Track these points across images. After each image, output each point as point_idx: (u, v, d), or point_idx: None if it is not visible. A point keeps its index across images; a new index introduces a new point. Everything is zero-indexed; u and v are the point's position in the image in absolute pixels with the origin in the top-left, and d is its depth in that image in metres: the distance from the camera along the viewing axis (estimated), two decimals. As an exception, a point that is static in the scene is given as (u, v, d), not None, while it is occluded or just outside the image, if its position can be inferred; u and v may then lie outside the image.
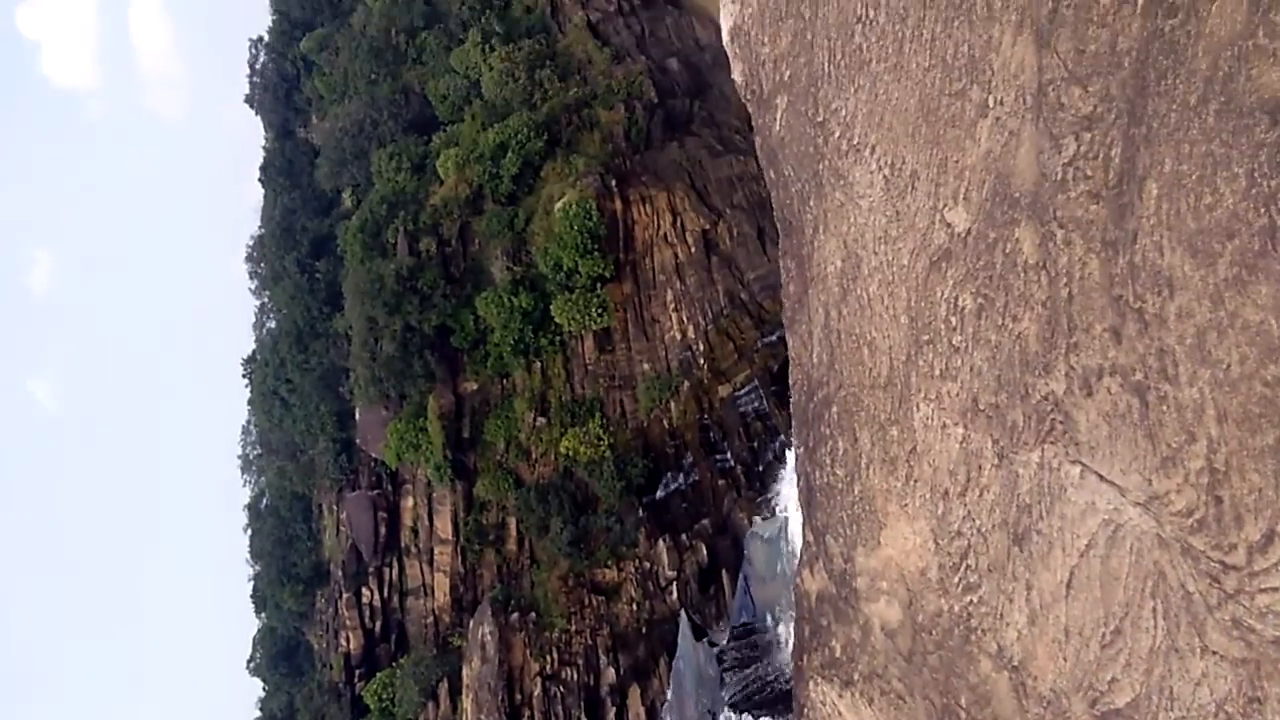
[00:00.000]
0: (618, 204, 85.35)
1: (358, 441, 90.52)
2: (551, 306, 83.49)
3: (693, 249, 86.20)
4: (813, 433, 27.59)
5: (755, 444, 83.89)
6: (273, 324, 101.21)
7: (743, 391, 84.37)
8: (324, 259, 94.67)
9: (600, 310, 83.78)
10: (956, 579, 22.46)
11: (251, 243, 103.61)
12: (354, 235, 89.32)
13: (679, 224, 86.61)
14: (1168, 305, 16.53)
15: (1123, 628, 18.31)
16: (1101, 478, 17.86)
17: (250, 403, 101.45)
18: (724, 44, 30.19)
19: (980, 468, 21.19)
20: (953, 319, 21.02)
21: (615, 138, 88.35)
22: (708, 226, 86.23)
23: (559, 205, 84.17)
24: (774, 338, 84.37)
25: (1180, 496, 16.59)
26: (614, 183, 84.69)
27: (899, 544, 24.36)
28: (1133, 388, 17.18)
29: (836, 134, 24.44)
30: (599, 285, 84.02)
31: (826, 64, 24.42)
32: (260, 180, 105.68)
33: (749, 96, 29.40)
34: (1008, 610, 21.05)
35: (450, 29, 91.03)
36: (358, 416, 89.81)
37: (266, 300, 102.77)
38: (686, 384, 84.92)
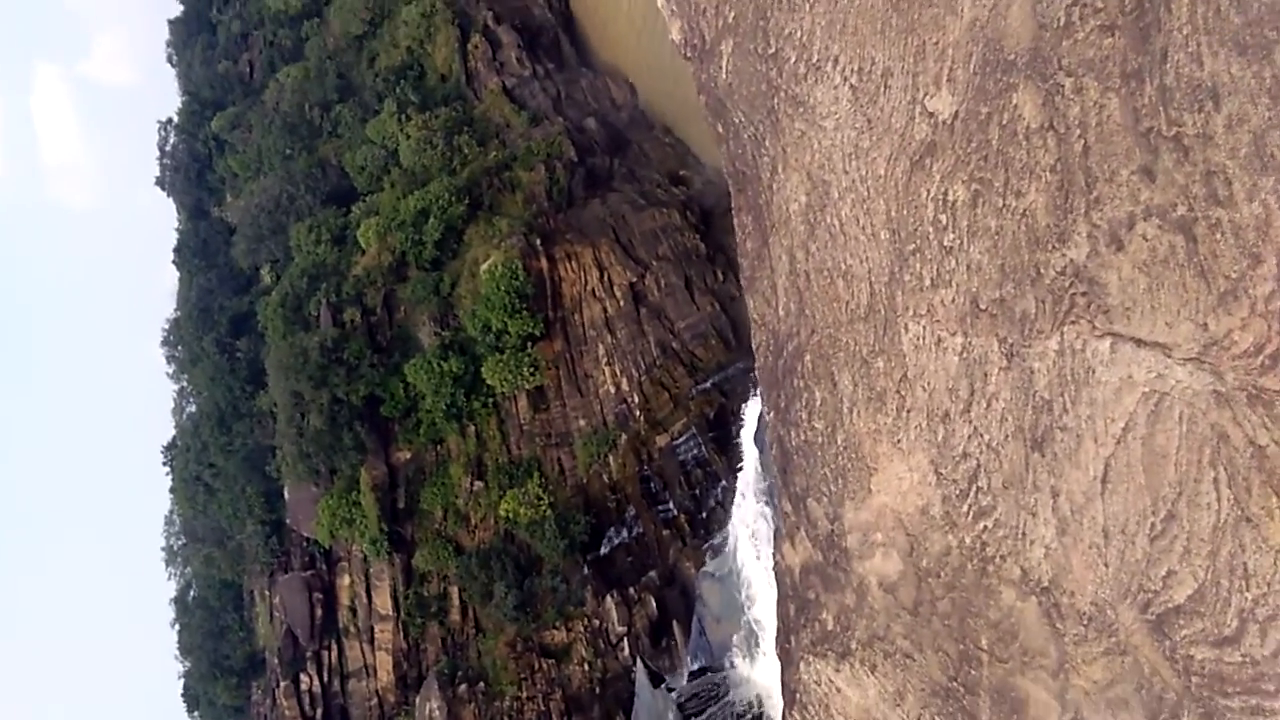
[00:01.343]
0: (543, 262, 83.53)
1: (288, 522, 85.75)
2: (482, 369, 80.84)
3: (621, 302, 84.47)
4: (783, 391, 25.21)
5: (697, 491, 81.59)
6: (193, 408, 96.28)
7: (681, 440, 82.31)
8: (244, 337, 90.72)
9: (532, 369, 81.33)
10: (965, 507, 20.00)
11: (168, 326, 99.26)
12: (275, 310, 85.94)
13: (606, 278, 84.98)
14: (1213, 119, 14.08)
15: (1176, 511, 15.93)
16: (1140, 343, 15.67)
17: (173, 491, 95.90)
18: (659, 5, 28.57)
19: (986, 375, 18.88)
20: (942, 217, 18.96)
21: (537, 198, 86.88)
22: (635, 279, 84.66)
23: (484, 267, 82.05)
24: (708, 384, 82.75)
25: (1245, 332, 14.24)
26: (538, 241, 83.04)
27: (894, 486, 21.91)
28: (1175, 225, 15.06)
29: (792, 59, 22.63)
30: (529, 344, 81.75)
31: (776, -12, 22.78)
32: (175, 262, 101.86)
33: (690, 53, 27.65)
34: (1031, 526, 18.59)
35: (365, 100, 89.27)
36: (287, 495, 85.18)
37: (185, 384, 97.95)
38: (624, 437, 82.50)
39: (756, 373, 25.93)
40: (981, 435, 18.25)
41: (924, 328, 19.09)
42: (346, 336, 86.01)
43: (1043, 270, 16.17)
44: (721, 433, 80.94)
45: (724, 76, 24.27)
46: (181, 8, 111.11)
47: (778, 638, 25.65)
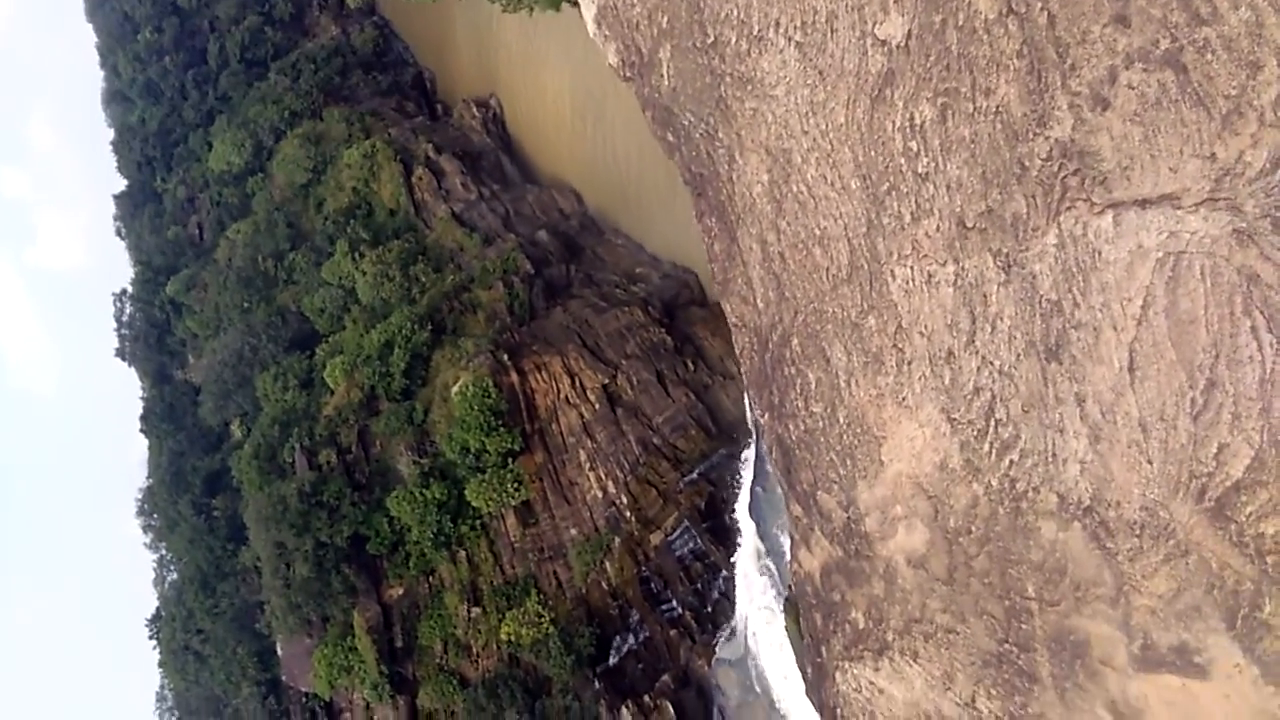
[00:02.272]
0: (514, 376, 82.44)
1: (284, 679, 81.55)
2: (466, 491, 78.76)
3: (597, 405, 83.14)
4: (775, 386, 23.75)
5: (699, 585, 79.08)
6: (174, 575, 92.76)
7: (675, 535, 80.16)
8: (220, 495, 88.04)
9: (516, 485, 79.37)
10: (986, 446, 18.42)
11: (141, 496, 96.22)
12: (248, 463, 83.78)
13: (578, 384, 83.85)
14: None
15: (1216, 376, 14.46)
16: (1144, 204, 14.56)
17: (161, 665, 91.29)
18: (592, 36, 28.23)
19: (985, 297, 17.62)
20: (912, 144, 18.04)
21: (499, 314, 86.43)
22: (607, 381, 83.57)
23: (455, 390, 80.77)
24: (695, 475, 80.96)
25: (1258, 149, 12.83)
26: (506, 357, 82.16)
27: (906, 449, 20.34)
28: (1161, 61, 14.07)
29: (733, 40, 22.06)
30: (510, 460, 79.97)
31: (706, -24, 22.35)
32: (142, 430, 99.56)
33: (629, 73, 27.16)
34: (1060, 445, 17.03)
35: (317, 245, 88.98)
36: (280, 651, 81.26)
37: (164, 552, 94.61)
38: (617, 540, 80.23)
39: (744, 378, 24.62)
40: (991, 363, 16.93)
41: (911, 268, 17.98)
42: (324, 479, 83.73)
43: (1027, 163, 15.22)
44: (715, 522, 78.87)
45: (666, 83, 23.69)
46: (125, 181, 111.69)
47: (805, 655, 23.63)
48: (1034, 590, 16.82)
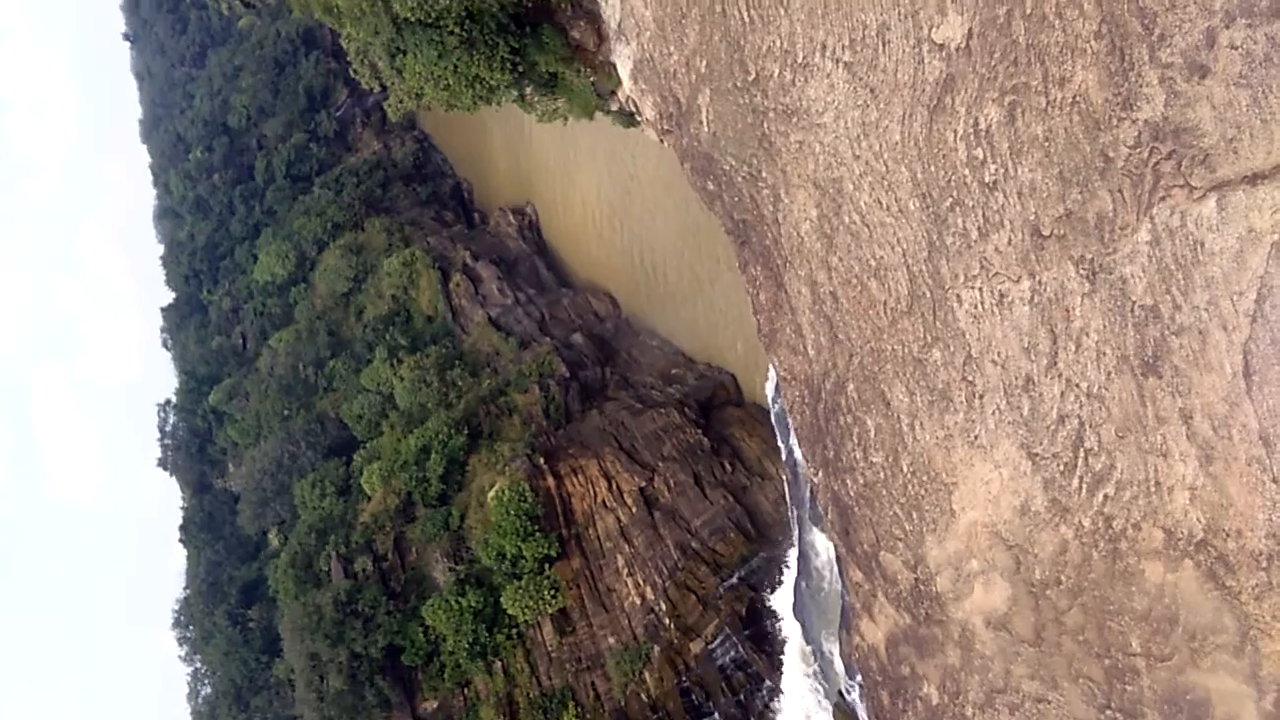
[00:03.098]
0: (550, 480, 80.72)
1: (316, 796, 77.84)
2: (502, 599, 76.26)
3: (634, 509, 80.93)
4: (829, 439, 21.54)
5: (741, 696, 75.36)
6: (208, 689, 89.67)
7: (716, 643, 76.90)
8: (255, 605, 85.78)
9: (553, 592, 76.82)
10: (1075, 482, 16.05)
11: (177, 607, 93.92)
12: (284, 571, 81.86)
13: (615, 487, 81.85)
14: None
15: (1355, 365, 12.24)
16: (1255, 179, 12.56)
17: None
18: (629, 91, 27.24)
19: (1069, 310, 15.52)
20: (978, 152, 16.27)
21: (535, 418, 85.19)
22: (644, 484, 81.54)
23: (491, 494, 79.08)
24: (734, 580, 78.10)
25: None
26: (542, 461, 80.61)
27: (981, 495, 17.97)
28: (1268, 12, 12.06)
29: (776, 73, 20.69)
30: (547, 566, 77.65)
31: (746, 11, 21.07)
32: (181, 540, 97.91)
33: (668, 125, 25.97)
34: (1164, 470, 14.66)
35: (356, 352, 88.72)
36: (312, 767, 77.77)
37: (199, 665, 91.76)
38: (656, 649, 77.00)
39: (794, 436, 22.67)
40: (1077, 385, 14.85)
41: (980, 289, 16.11)
42: (359, 587, 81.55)
43: (1111, 153, 13.49)
44: (756, 629, 75.58)
45: (706, 129, 22.43)
46: (173, 294, 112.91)
47: (874, 740, 20.98)
48: (1139, 645, 14.43)
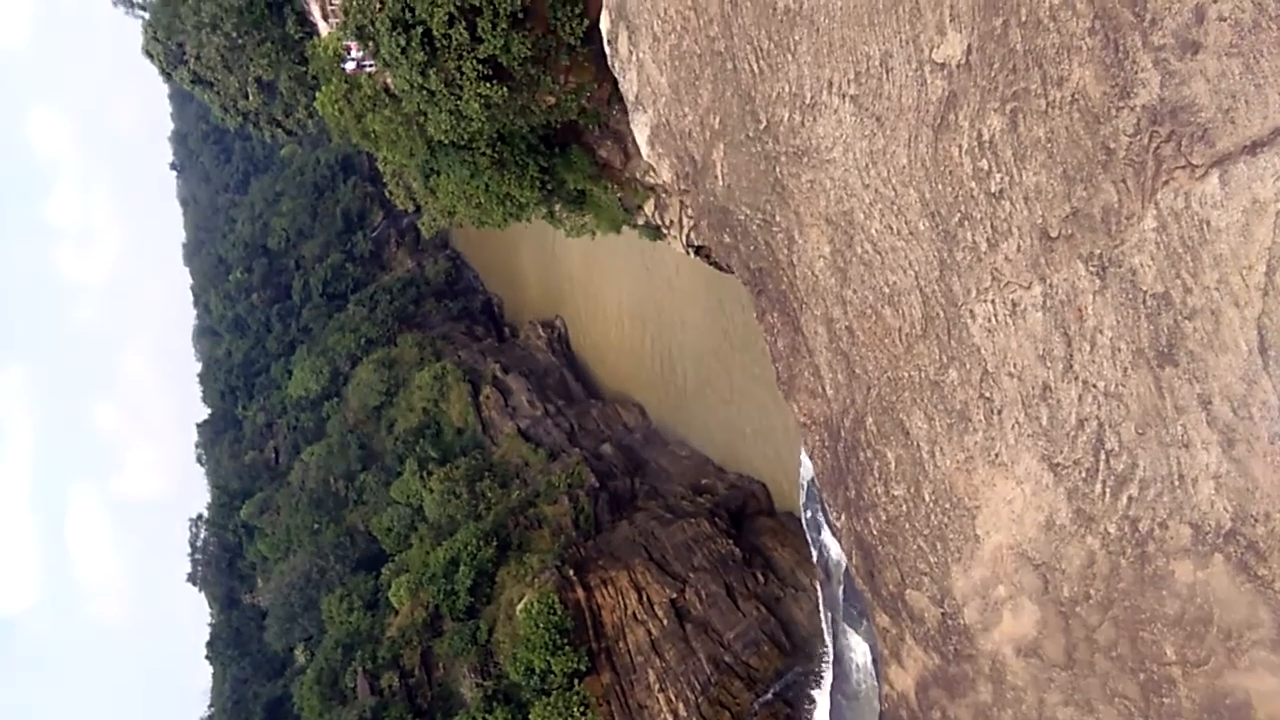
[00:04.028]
0: (579, 593, 79.34)
1: None
2: (530, 716, 74.18)
3: (665, 621, 79.17)
4: (850, 479, 21.06)
5: (779, 819, 71.93)
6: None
7: (752, 761, 73.86)
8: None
9: (583, 708, 74.53)
10: (1098, 487, 15.45)
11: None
12: (310, 689, 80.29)
13: (645, 599, 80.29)
14: None
15: (1373, 324, 11.82)
16: (1255, 148, 12.51)
17: None
18: (646, 157, 27.83)
19: (1081, 310, 15.28)
20: (983, 163, 16.37)
21: (565, 529, 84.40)
22: (675, 595, 79.98)
23: (520, 607, 77.77)
24: (769, 695, 75.67)
25: None
26: (572, 572, 79.44)
27: (1004, 515, 17.36)
28: (1249, -17, 12.49)
29: (785, 117, 21.12)
30: (577, 681, 75.59)
31: (755, 63, 21.72)
32: (208, 657, 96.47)
33: (685, 184, 26.44)
34: (1186, 461, 14.13)
35: (387, 465, 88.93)
36: None
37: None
38: (690, 767, 74.14)
39: (816, 479, 22.32)
40: (1094, 386, 14.56)
41: (993, 301, 16.04)
42: (385, 705, 79.73)
43: (1113, 144, 13.60)
44: (794, 747, 72.71)
45: (721, 182, 22.88)
46: (209, 410, 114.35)
47: (908, 796, 19.87)
48: (1174, 652, 13.79)
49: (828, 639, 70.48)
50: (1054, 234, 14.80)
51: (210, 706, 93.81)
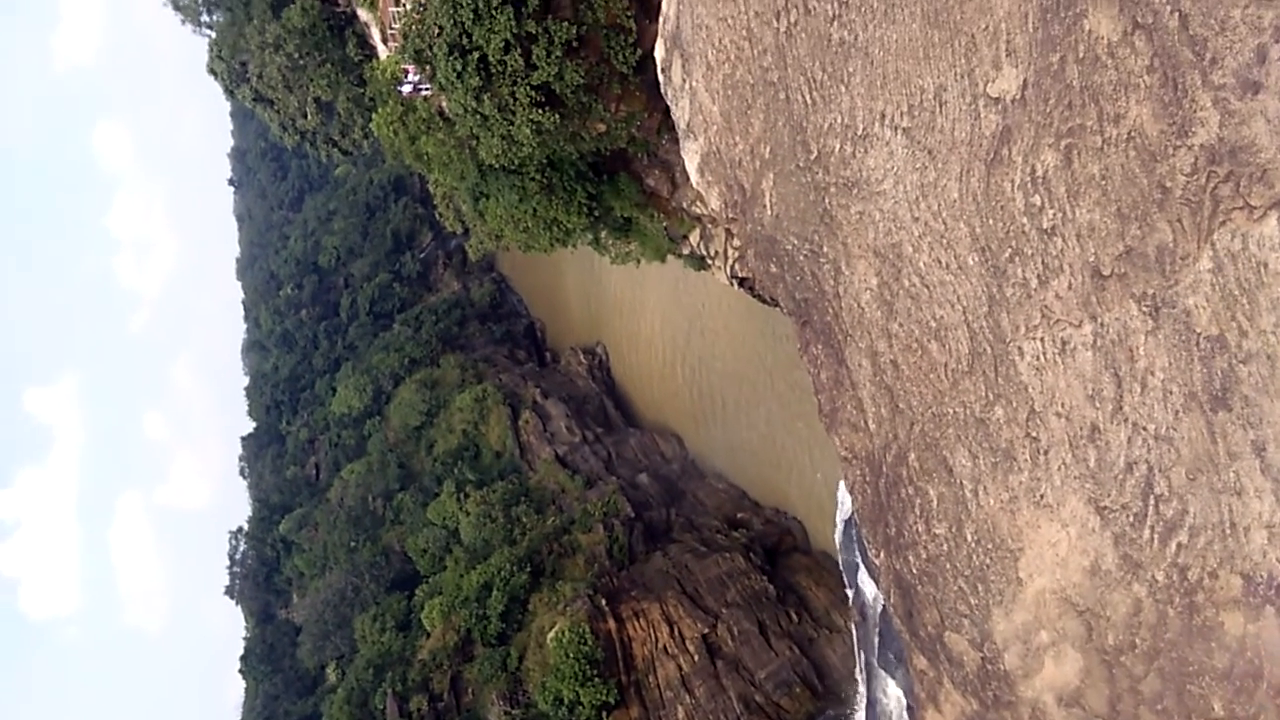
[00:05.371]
0: (611, 623, 78.84)
1: None
2: (557, 748, 73.57)
3: (696, 657, 78.36)
4: (891, 514, 20.71)
5: None
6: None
7: (780, 806, 72.54)
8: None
9: (610, 743, 73.90)
10: (1146, 533, 15.04)
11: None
12: (339, 708, 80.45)
13: (677, 633, 79.59)
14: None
15: None
16: (1315, 188, 12.32)
17: None
18: (695, 185, 27.85)
19: (1132, 351, 14.96)
20: (1035, 199, 16.14)
21: (599, 558, 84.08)
22: (706, 630, 79.20)
23: (551, 635, 77.47)
24: (800, 738, 74.44)
25: None
26: (604, 602, 79.02)
27: (1048, 559, 16.96)
28: (1316, 16, 12.24)
29: (836, 148, 21.05)
30: (605, 714, 74.96)
31: (808, 94, 21.72)
32: (241, 671, 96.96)
33: (733, 213, 26.42)
34: (1239, 509, 13.71)
35: (425, 485, 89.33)
36: None
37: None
38: (716, 808, 73.01)
39: (856, 517, 22.05)
40: (1144, 429, 14.23)
41: (1042, 339, 15.78)
42: (413, 729, 79.54)
43: (1169, 183, 13.36)
44: (826, 793, 71.38)
45: (769, 212, 22.85)
46: (253, 424, 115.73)
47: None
48: (1222, 707, 13.37)
49: (861, 683, 69.36)
50: (1106, 272, 14.58)
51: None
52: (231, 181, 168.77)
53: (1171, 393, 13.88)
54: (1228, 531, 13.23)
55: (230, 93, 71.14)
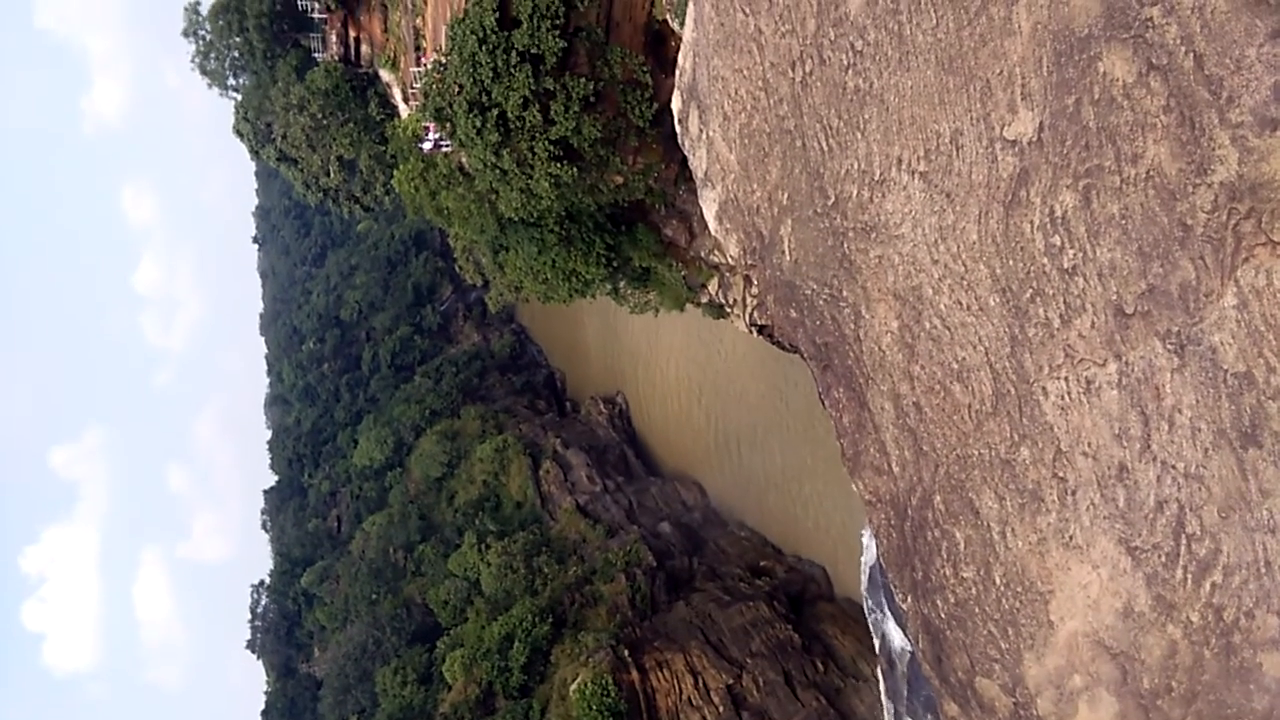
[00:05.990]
0: (634, 674, 77.91)
1: None
2: (580, 802, 72.41)
3: (721, 708, 77.24)
4: (917, 559, 20.48)
5: None
6: None
7: None
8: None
9: (633, 796, 72.69)
10: (1179, 573, 14.77)
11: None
12: (361, 763, 79.51)
13: (701, 684, 78.54)
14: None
15: None
16: (1338, 221, 12.22)
17: None
18: (713, 232, 27.95)
19: (1158, 389, 14.85)
20: (1055, 239, 16.11)
21: (621, 608, 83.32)
22: (731, 680, 78.13)
23: (574, 687, 76.57)
24: (829, 792, 73.06)
25: None
26: (627, 653, 78.16)
27: (1080, 601, 16.67)
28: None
29: (854, 193, 21.16)
30: (628, 768, 73.89)
31: (825, 141, 21.93)
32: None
33: (752, 260, 26.51)
34: (1274, 548, 13.39)
35: (446, 536, 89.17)
36: None
37: None
38: None
39: (881, 566, 21.82)
40: (1173, 468, 14.08)
41: (1066, 379, 15.68)
42: (435, 783, 78.39)
43: (1189, 221, 13.34)
44: (855, 846, 69.84)
45: (788, 258, 22.96)
46: (275, 477, 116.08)
47: None
48: (1264, 751, 13.11)
49: (888, 730, 67.76)
50: (1130, 310, 14.55)
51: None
52: (256, 239, 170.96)
53: (1200, 430, 13.77)
54: (1263, 570, 13.05)
55: (255, 153, 72.36)
